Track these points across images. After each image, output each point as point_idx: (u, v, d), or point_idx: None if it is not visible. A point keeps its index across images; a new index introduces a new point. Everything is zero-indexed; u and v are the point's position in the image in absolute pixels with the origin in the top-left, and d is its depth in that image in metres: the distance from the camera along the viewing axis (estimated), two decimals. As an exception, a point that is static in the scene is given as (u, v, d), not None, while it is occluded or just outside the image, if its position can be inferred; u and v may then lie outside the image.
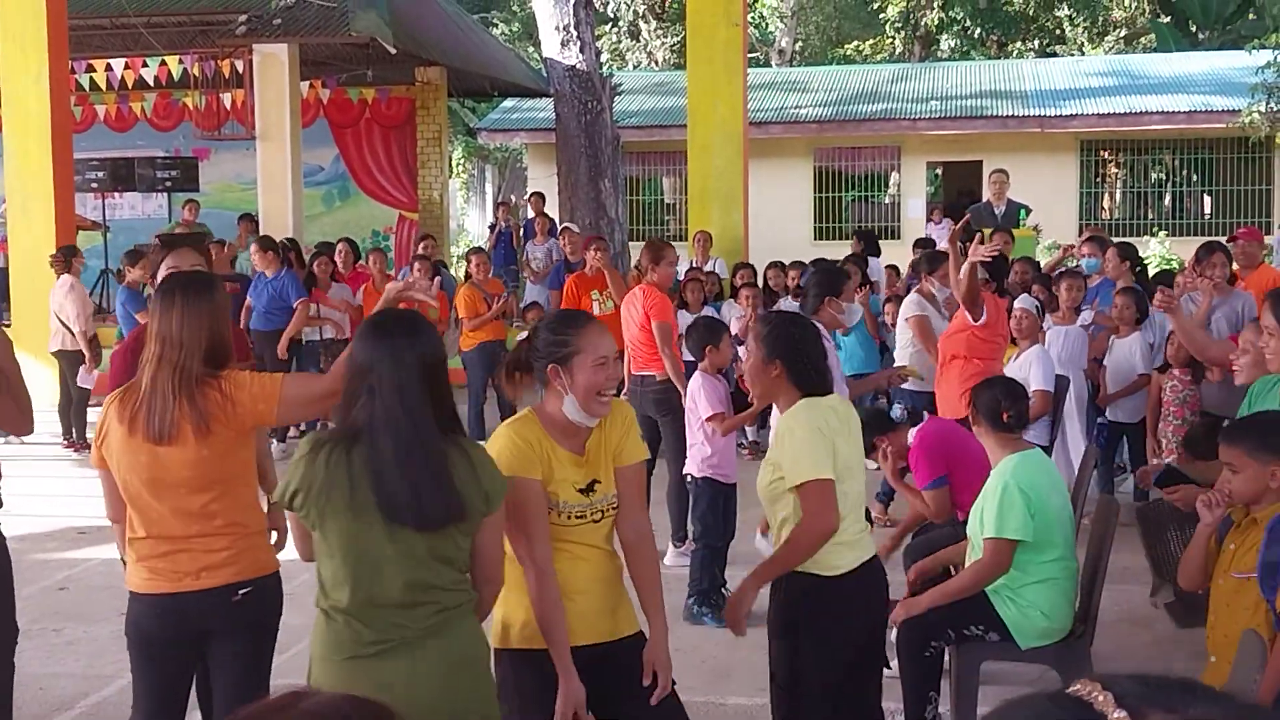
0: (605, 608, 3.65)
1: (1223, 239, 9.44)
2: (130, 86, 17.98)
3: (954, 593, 4.85)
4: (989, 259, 7.52)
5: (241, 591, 3.82)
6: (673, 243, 9.09)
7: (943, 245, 14.51)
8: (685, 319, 11.30)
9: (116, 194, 18.26)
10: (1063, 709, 1.03)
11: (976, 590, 4.81)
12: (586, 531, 3.60)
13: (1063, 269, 10.45)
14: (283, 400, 3.79)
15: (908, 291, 10.15)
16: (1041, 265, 11.58)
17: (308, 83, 18.12)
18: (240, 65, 16.61)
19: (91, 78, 17.45)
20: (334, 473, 3.12)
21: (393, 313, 3.54)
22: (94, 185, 16.88)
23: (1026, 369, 7.49)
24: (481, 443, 3.42)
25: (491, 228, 19.46)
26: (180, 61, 16.96)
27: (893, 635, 4.75)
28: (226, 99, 17.32)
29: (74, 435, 11.87)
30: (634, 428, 3.73)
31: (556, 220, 17.76)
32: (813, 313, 6.30)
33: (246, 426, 3.82)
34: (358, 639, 3.16)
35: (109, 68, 17.33)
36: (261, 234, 14.07)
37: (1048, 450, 7.43)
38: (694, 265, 13.06)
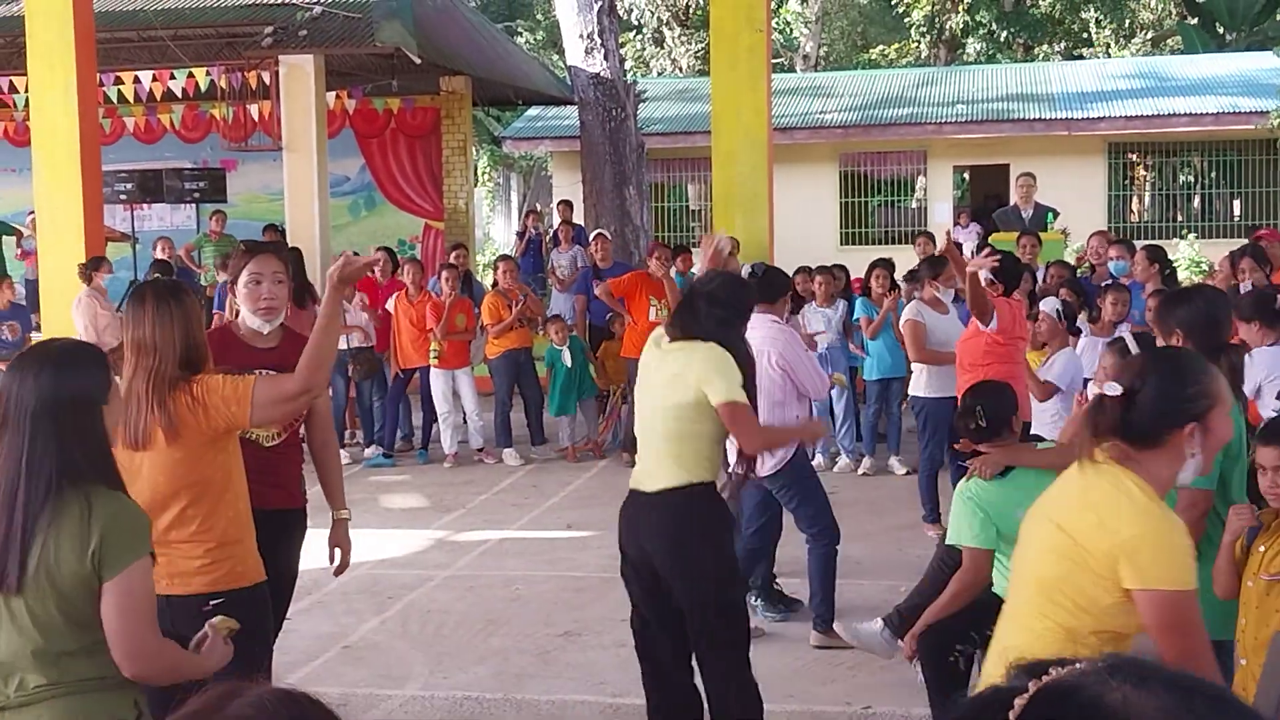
0: None
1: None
2: (158, 99, 18.07)
3: (942, 607, 4.88)
4: (992, 266, 7.49)
5: (213, 603, 3.72)
6: (694, 249, 9.10)
7: (968, 250, 14.46)
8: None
9: (145, 205, 18.35)
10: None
11: (961, 600, 4.83)
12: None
13: (1109, 280, 10.33)
14: (255, 402, 3.75)
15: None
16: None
17: (333, 93, 18.18)
18: (266, 77, 16.68)
19: (120, 90, 17.55)
20: None
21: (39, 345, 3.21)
22: (122, 197, 16.96)
23: (1052, 371, 7.43)
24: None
25: (520, 235, 19.48)
26: (207, 73, 17.05)
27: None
28: (253, 110, 17.39)
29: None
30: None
31: (583, 227, 17.78)
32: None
33: (219, 429, 3.80)
34: None
35: (137, 80, 17.43)
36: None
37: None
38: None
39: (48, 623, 2.89)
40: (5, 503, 2.88)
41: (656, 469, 4.78)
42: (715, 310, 4.73)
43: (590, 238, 13.97)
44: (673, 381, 4.71)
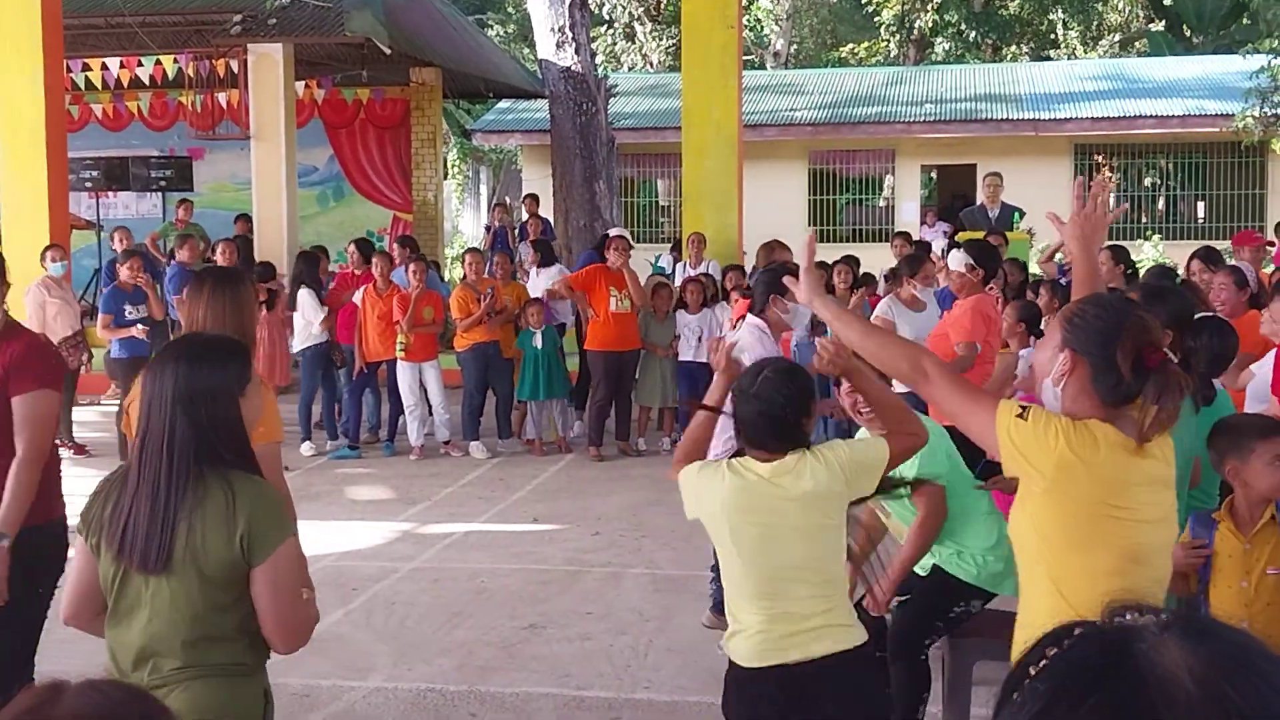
0: None
1: (1217, 243, 9.46)
2: (125, 86, 17.96)
3: (908, 559, 4.75)
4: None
5: None
6: (663, 245, 9.11)
7: (938, 249, 14.54)
8: (685, 319, 11.40)
9: (110, 193, 18.26)
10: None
11: (928, 545, 4.73)
12: None
13: (1043, 279, 10.42)
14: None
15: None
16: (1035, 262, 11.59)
17: (302, 83, 18.11)
18: (235, 65, 16.60)
19: (87, 77, 17.43)
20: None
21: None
22: (88, 184, 16.87)
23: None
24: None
25: (488, 228, 19.47)
26: (175, 61, 16.95)
27: None
28: (221, 99, 17.31)
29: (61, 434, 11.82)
30: None
31: (549, 221, 17.77)
32: (759, 312, 6.50)
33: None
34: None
35: (104, 67, 17.32)
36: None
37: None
38: (688, 267, 13.11)
39: (188, 606, 2.99)
40: (150, 489, 3.00)
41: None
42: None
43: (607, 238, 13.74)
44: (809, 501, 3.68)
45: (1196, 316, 5.19)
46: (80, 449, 11.43)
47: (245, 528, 2.98)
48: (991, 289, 8.20)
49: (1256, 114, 19.79)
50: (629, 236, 12.05)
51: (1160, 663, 0.99)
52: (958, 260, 7.71)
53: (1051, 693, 1.02)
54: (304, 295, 11.61)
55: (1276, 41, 20.89)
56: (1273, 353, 5.64)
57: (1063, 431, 2.93)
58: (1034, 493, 3.00)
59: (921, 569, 4.86)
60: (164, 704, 1.44)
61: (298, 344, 11.78)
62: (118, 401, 11.91)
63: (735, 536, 3.62)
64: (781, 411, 3.61)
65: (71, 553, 3.50)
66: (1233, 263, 9.27)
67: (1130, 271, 9.82)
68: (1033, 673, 1.05)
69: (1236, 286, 7.20)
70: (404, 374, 11.38)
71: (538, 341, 11.30)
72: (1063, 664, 1.04)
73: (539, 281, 12.67)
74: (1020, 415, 2.97)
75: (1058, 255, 11.05)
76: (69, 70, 16.14)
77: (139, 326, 10.98)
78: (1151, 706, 0.97)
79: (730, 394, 3.79)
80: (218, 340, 3.34)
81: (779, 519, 3.57)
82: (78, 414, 12.05)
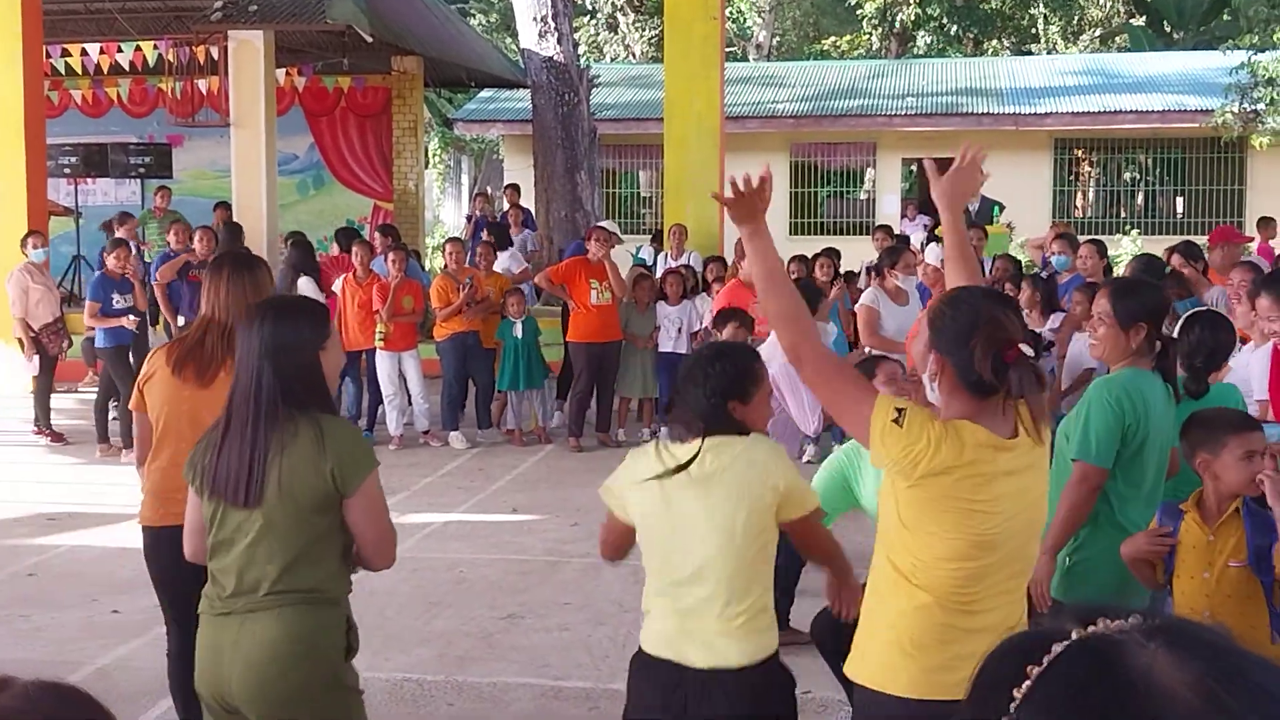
0: None
1: (1196, 238, 9.51)
2: (105, 72, 17.87)
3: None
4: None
5: None
6: (645, 236, 9.11)
7: (914, 242, 14.56)
8: (666, 311, 11.41)
9: (89, 180, 18.15)
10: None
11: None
12: None
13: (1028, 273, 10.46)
14: None
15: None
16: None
17: (283, 70, 18.05)
18: (215, 52, 16.52)
19: (66, 62, 17.34)
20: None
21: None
22: (66, 171, 16.77)
23: None
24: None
25: (469, 218, 19.43)
26: (155, 47, 16.87)
27: None
28: (201, 85, 17.23)
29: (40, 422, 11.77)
30: None
31: (530, 211, 17.75)
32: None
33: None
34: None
35: (84, 52, 17.23)
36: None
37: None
38: (670, 259, 13.12)
39: (280, 537, 3.35)
40: (241, 431, 3.38)
41: None
42: None
43: (589, 229, 13.83)
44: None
45: (1191, 312, 5.21)
46: (58, 436, 11.38)
47: (335, 462, 3.34)
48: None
49: (1236, 109, 19.90)
50: (617, 230, 12.05)
51: (1158, 679, 0.96)
52: (934, 255, 7.73)
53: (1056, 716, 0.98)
54: (305, 283, 11.56)
55: (1257, 38, 20.98)
56: (1262, 350, 5.64)
57: (934, 442, 3.00)
58: (900, 485, 3.09)
59: None
60: (106, 709, 1.45)
61: None
62: (95, 389, 11.88)
63: (644, 523, 3.49)
64: (704, 392, 3.42)
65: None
66: (1247, 258, 9.25)
67: (1106, 266, 9.85)
68: (1018, 695, 0.99)
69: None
70: (383, 363, 11.36)
71: (518, 331, 11.29)
72: (1060, 686, 0.99)
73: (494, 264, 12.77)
74: (896, 420, 3.02)
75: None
76: (48, 55, 16.07)
77: (130, 318, 10.89)
78: None
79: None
80: (299, 301, 3.77)
81: (683, 507, 3.39)
82: (55, 401, 11.98)
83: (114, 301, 10.93)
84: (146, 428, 4.61)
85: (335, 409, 3.55)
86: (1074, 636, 1.00)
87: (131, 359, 10.67)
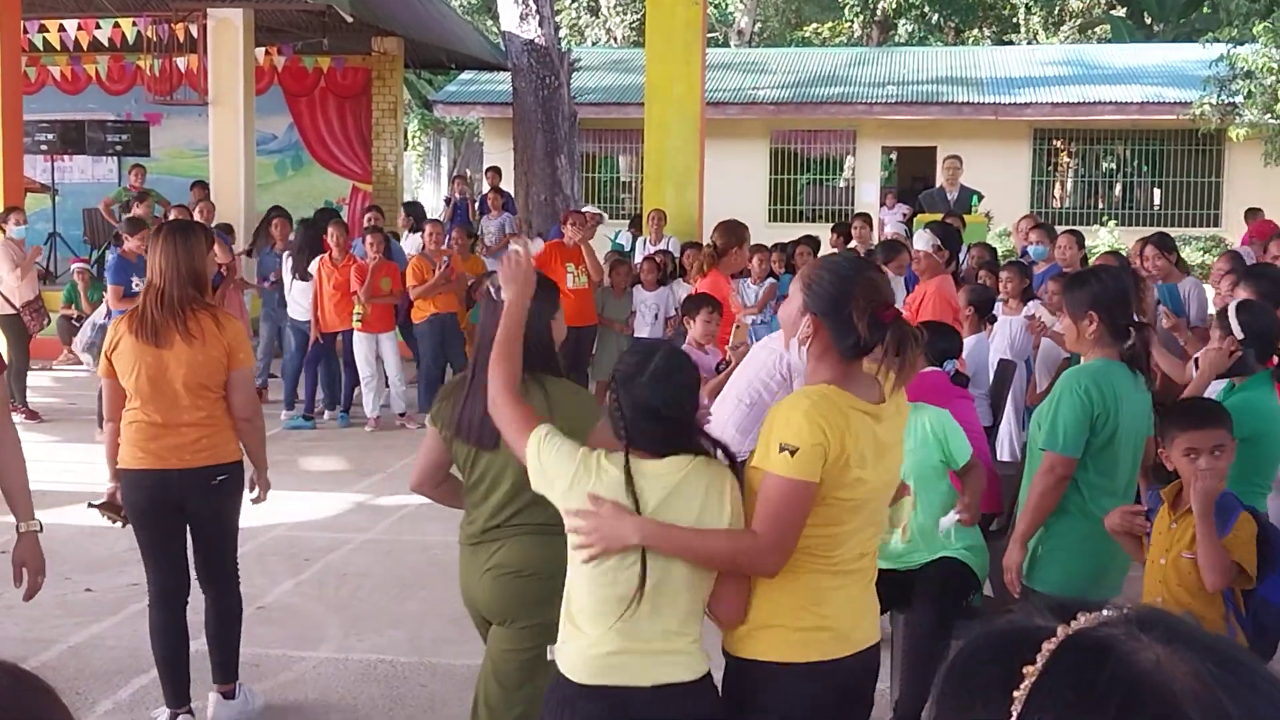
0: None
1: (1173, 230, 9.57)
2: (83, 48, 17.75)
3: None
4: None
5: (219, 478, 4.97)
6: (624, 221, 9.11)
7: (890, 230, 14.61)
8: (642, 296, 11.43)
9: (66, 157, 18.06)
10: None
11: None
12: None
13: (1008, 260, 10.50)
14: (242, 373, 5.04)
15: None
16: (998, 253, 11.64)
17: (263, 49, 17.96)
18: (195, 29, 16.44)
19: (45, 38, 17.22)
20: None
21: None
22: (43, 147, 16.68)
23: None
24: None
25: (447, 201, 19.38)
26: (134, 24, 16.76)
27: None
28: (180, 63, 17.14)
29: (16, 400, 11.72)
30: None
31: (512, 194, 17.72)
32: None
33: (224, 353, 4.93)
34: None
35: (62, 28, 17.11)
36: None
37: (991, 431, 7.49)
38: (648, 244, 13.13)
39: (516, 476, 3.69)
40: (484, 385, 3.62)
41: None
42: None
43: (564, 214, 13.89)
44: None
45: (1239, 301, 5.23)
46: (33, 414, 11.33)
47: (563, 418, 3.54)
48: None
49: (1214, 102, 19.97)
50: (601, 213, 12.03)
51: (1165, 675, 0.95)
52: (924, 240, 7.75)
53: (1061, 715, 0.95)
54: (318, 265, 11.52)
55: (1236, 30, 21.06)
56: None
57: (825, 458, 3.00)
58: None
59: (907, 563, 4.94)
60: (37, 678, 1.43)
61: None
62: (71, 367, 11.87)
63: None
64: (666, 408, 3.14)
65: None
66: (1232, 249, 9.24)
67: (1084, 256, 9.91)
68: (1017, 694, 0.96)
69: None
70: (360, 345, 11.34)
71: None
72: (1068, 685, 0.96)
73: (407, 245, 13.17)
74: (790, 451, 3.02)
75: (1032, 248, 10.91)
76: (26, 31, 15.95)
77: None
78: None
79: (612, 379, 3.25)
80: (539, 279, 4.04)
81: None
82: (31, 379, 11.93)
83: (133, 284, 10.44)
84: (118, 391, 4.94)
85: (561, 373, 4.00)
86: (1061, 634, 0.99)
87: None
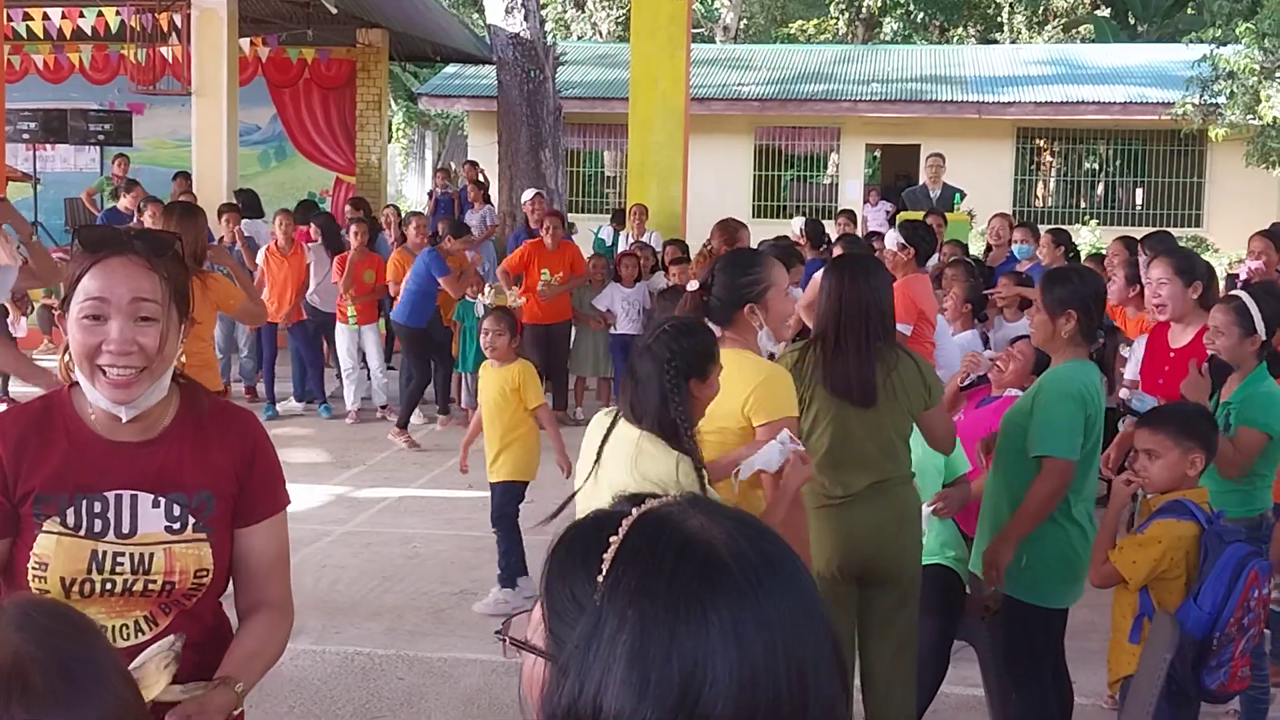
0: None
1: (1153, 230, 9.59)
2: (66, 37, 17.68)
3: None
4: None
5: None
6: (606, 216, 9.12)
7: (874, 226, 14.63)
8: (621, 292, 11.43)
9: (48, 146, 17.97)
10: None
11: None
12: None
13: (1004, 261, 10.52)
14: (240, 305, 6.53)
15: None
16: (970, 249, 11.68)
17: (247, 40, 17.91)
18: (179, 19, 16.38)
19: (28, 26, 17.15)
20: None
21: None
22: (25, 136, 16.59)
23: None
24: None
25: (430, 194, 19.36)
26: (118, 13, 16.71)
27: None
28: (164, 53, 17.08)
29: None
30: None
31: (495, 187, 17.71)
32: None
33: (213, 308, 6.26)
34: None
35: (45, 17, 17.04)
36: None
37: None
38: (630, 238, 13.15)
39: (891, 433, 4.30)
40: (854, 354, 4.26)
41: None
42: None
43: (528, 198, 13.98)
44: None
45: (1250, 293, 5.22)
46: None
47: (926, 388, 4.31)
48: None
49: (1196, 102, 20.03)
50: (562, 213, 12.03)
51: (704, 535, 1.22)
52: (891, 239, 7.76)
53: (642, 570, 1.20)
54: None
55: (1219, 31, 21.13)
56: (1143, 340, 5.79)
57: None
58: None
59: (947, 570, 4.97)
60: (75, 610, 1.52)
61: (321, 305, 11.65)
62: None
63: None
64: (658, 383, 3.30)
65: None
66: None
67: (1071, 255, 9.93)
68: (606, 556, 1.22)
69: None
70: (343, 337, 11.33)
71: (479, 310, 11.27)
72: (642, 542, 1.22)
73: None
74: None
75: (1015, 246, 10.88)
76: (9, 19, 15.88)
77: None
78: (722, 564, 1.20)
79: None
80: (870, 261, 4.64)
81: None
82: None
83: None
84: None
85: (897, 345, 4.44)
86: (635, 514, 1.25)
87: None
